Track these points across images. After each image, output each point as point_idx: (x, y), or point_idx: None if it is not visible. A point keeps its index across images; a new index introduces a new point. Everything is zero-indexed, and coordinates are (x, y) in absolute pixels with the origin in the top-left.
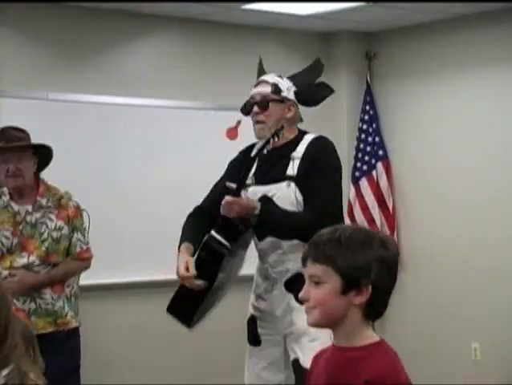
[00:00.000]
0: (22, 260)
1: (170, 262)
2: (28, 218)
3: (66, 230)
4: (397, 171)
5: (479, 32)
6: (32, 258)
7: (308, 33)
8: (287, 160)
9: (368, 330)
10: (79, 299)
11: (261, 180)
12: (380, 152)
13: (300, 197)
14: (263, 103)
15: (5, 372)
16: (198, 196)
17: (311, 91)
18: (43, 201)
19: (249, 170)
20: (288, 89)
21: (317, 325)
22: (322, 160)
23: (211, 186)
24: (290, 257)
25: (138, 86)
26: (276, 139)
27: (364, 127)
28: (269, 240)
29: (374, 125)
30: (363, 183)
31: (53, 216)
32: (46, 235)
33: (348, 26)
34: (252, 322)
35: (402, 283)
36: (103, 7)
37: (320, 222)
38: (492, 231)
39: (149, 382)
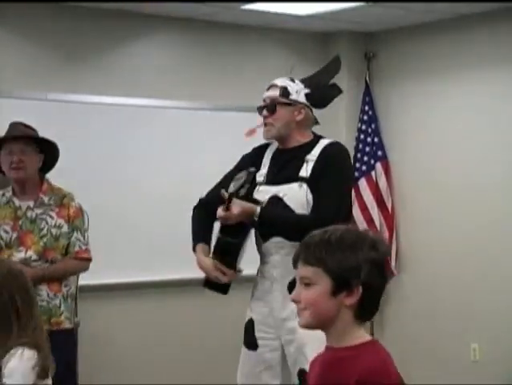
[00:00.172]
0: (19, 254)
1: (170, 262)
2: (29, 213)
3: (65, 228)
4: (396, 171)
5: (479, 32)
6: (29, 253)
7: (307, 33)
8: (301, 161)
9: (360, 330)
10: (78, 300)
11: (272, 179)
12: (379, 153)
13: (311, 199)
14: (271, 106)
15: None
16: (199, 196)
17: (321, 93)
18: (45, 199)
19: (249, 180)
20: (298, 92)
21: (308, 326)
22: (335, 165)
23: (211, 186)
24: None
25: (138, 86)
26: None
27: (363, 127)
28: (273, 240)
29: (373, 125)
30: (362, 183)
31: (53, 214)
32: (45, 231)
33: (347, 26)
34: (250, 326)
35: (401, 283)
36: (103, 7)
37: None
38: (492, 231)
39: (149, 383)
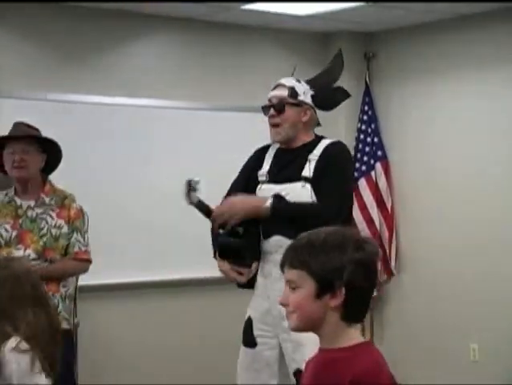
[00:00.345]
0: (17, 252)
1: (170, 262)
2: (29, 213)
3: (65, 229)
4: (396, 171)
5: (479, 32)
6: (28, 252)
7: (307, 33)
8: (303, 161)
9: (351, 331)
10: (77, 300)
11: (275, 178)
12: (379, 153)
13: (314, 199)
14: (279, 106)
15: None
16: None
17: (328, 95)
18: (47, 199)
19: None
20: (305, 93)
21: (297, 329)
22: (337, 165)
23: (211, 186)
24: None
25: (138, 86)
26: None
27: (363, 127)
28: (274, 238)
29: (373, 126)
30: (362, 183)
31: (54, 214)
32: (45, 231)
33: (347, 26)
34: (248, 324)
35: (401, 283)
36: (103, 7)
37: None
38: (492, 232)
39: (149, 383)
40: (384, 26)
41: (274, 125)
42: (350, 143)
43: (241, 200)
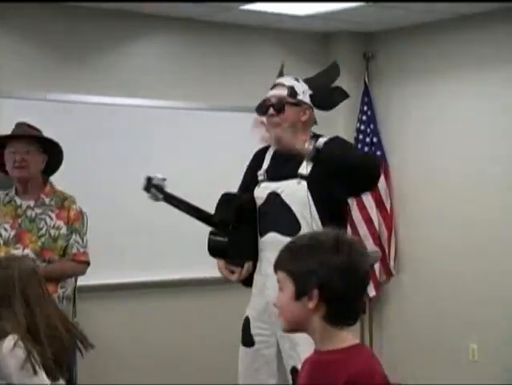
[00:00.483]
0: (16, 252)
1: (170, 262)
2: (28, 212)
3: (64, 230)
4: (395, 171)
5: (479, 32)
6: (26, 251)
7: (306, 33)
8: (300, 159)
9: (342, 333)
10: (77, 301)
11: (272, 176)
12: (378, 153)
13: (310, 197)
14: (279, 105)
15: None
16: (198, 197)
17: (327, 95)
18: (47, 200)
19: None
20: (304, 92)
21: (286, 330)
22: (338, 144)
23: (211, 186)
24: None
25: (137, 86)
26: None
27: (362, 127)
28: (270, 235)
29: (372, 126)
30: None
31: (53, 215)
32: (43, 231)
33: (346, 26)
34: (246, 323)
35: (400, 283)
36: (102, 7)
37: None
38: (491, 232)
39: (149, 383)
40: (384, 26)
41: (273, 125)
42: None
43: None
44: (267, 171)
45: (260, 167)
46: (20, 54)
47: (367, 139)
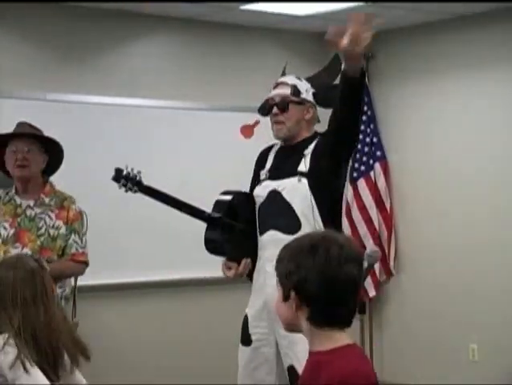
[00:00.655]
0: (15, 250)
1: (170, 263)
2: (28, 212)
3: (63, 230)
4: (395, 171)
5: (479, 32)
6: (25, 250)
7: (307, 33)
8: (300, 156)
9: (332, 334)
10: (77, 301)
11: (273, 175)
12: (378, 153)
13: (310, 193)
14: (283, 104)
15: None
16: (198, 197)
17: (330, 93)
18: (46, 199)
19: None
20: (307, 91)
21: (286, 330)
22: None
23: (211, 186)
24: None
25: (137, 86)
26: None
27: (362, 127)
28: (269, 233)
29: (372, 126)
30: (361, 183)
31: (53, 215)
32: (43, 230)
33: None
34: (245, 322)
35: (400, 283)
36: (102, 7)
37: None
38: (491, 232)
39: (149, 382)
40: (383, 27)
41: (277, 123)
42: None
43: None
44: (269, 170)
45: (264, 166)
46: (20, 54)
47: (367, 139)
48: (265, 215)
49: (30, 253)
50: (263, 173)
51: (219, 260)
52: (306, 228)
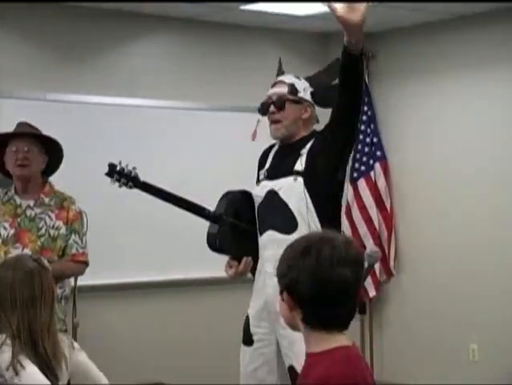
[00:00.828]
0: (15, 251)
1: (170, 263)
2: (28, 212)
3: (63, 230)
4: (395, 171)
5: (479, 32)
6: (26, 251)
7: (307, 33)
8: (296, 155)
9: (327, 336)
10: (77, 301)
11: (271, 175)
12: (378, 153)
13: (307, 193)
14: (279, 102)
15: None
16: (198, 196)
17: (328, 93)
18: (46, 200)
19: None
20: (305, 90)
21: (289, 328)
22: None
23: (211, 186)
24: None
25: (137, 86)
26: None
27: (362, 127)
28: (268, 233)
29: (372, 126)
30: (361, 183)
31: (53, 215)
32: (43, 231)
33: None
34: (246, 322)
35: (400, 283)
36: (102, 7)
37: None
38: (491, 232)
39: (149, 382)
40: (384, 27)
41: (274, 122)
42: None
43: None
44: (267, 170)
45: (264, 166)
46: (20, 54)
47: (368, 140)
48: (263, 215)
49: (30, 253)
50: (262, 173)
51: (219, 260)
52: (302, 228)
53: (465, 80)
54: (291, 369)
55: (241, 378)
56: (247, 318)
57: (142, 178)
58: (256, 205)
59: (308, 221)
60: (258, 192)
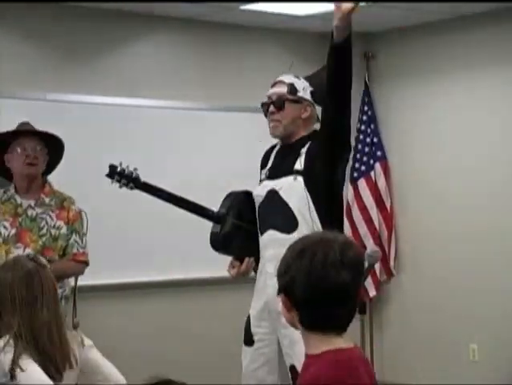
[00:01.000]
0: (17, 251)
1: (170, 263)
2: (29, 212)
3: (64, 230)
4: (395, 171)
5: (479, 32)
6: (28, 251)
7: (307, 33)
8: (296, 155)
9: (325, 338)
10: (77, 301)
11: (272, 174)
12: (378, 153)
13: (306, 191)
14: (279, 102)
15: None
16: (199, 196)
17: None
18: (46, 199)
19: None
20: (304, 89)
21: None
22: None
23: (211, 186)
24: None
25: (137, 86)
26: None
27: (362, 127)
28: (268, 233)
29: (372, 126)
30: (362, 183)
31: (53, 215)
32: (44, 230)
33: None
34: (247, 322)
35: (400, 283)
36: (102, 7)
37: None
38: (491, 232)
39: (149, 383)
40: (383, 27)
41: (273, 121)
42: None
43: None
44: (268, 169)
45: (266, 166)
46: (20, 54)
47: (368, 140)
48: (264, 215)
49: (32, 253)
50: (263, 173)
51: (219, 260)
52: (303, 227)
53: (464, 80)
54: (293, 368)
55: (242, 378)
56: (248, 318)
57: (142, 178)
58: (257, 205)
59: (309, 220)
60: (259, 191)
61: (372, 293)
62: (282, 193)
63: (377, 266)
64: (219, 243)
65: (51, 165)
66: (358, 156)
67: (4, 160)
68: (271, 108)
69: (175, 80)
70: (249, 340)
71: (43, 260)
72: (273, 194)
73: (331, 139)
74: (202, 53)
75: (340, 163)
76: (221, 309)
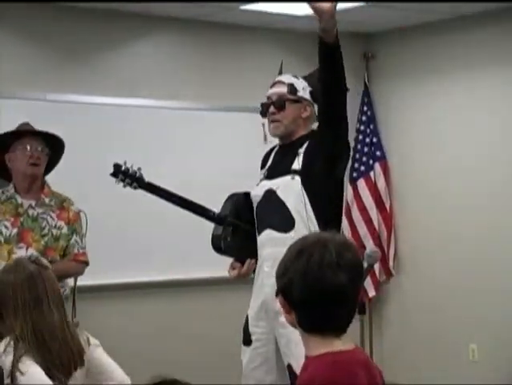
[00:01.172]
0: (20, 251)
1: (170, 263)
2: (30, 212)
3: (65, 230)
4: (395, 172)
5: (479, 32)
6: (30, 251)
7: (306, 33)
8: (294, 155)
9: (324, 340)
10: (77, 301)
11: (270, 174)
12: (378, 153)
13: (304, 191)
14: (279, 102)
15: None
16: (198, 197)
17: None
18: (46, 200)
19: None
20: (304, 89)
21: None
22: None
23: (211, 186)
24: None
25: (137, 86)
26: None
27: (362, 127)
28: (265, 232)
29: (372, 126)
30: (361, 183)
31: (54, 215)
32: (46, 230)
33: (346, 26)
34: (246, 322)
35: (399, 284)
36: (102, 8)
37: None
38: (491, 232)
39: (149, 383)
40: (383, 27)
41: (274, 121)
42: None
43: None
44: (267, 169)
45: (265, 166)
46: (20, 54)
47: (367, 140)
48: (262, 214)
49: (35, 253)
50: (261, 173)
51: (219, 260)
52: (299, 226)
53: (464, 80)
54: (289, 367)
55: (242, 378)
56: (247, 318)
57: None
58: (254, 205)
59: (306, 220)
60: (258, 191)
61: (372, 293)
62: (279, 193)
63: (377, 266)
64: (221, 245)
65: (50, 166)
66: (357, 156)
67: (4, 160)
68: (272, 109)
69: (174, 80)
70: (247, 340)
71: (45, 261)
72: (270, 194)
73: (330, 139)
74: (202, 53)
75: (340, 162)
76: (221, 309)
